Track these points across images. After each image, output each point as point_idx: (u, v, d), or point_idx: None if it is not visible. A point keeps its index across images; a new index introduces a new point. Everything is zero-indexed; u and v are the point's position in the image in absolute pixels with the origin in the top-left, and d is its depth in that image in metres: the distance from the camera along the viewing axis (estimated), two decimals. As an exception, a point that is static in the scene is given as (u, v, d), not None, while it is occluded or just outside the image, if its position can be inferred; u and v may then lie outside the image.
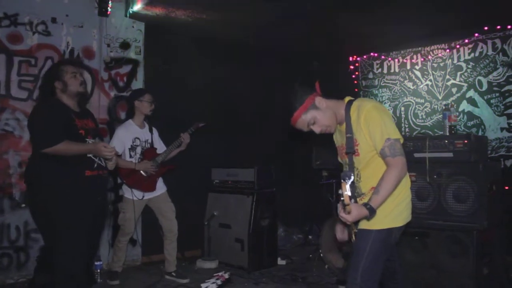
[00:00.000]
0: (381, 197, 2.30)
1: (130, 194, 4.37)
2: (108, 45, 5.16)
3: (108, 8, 4.96)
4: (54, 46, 4.77)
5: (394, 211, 2.44)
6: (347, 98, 2.57)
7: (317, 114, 2.47)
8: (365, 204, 2.26)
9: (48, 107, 3.16)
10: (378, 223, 2.41)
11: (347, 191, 2.08)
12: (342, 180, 2.09)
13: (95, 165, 3.21)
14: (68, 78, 3.24)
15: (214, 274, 4.48)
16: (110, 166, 3.35)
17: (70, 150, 3.06)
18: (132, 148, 4.45)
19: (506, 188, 4.38)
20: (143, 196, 4.45)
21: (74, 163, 3.08)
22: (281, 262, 5.34)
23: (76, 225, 3.03)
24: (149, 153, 4.53)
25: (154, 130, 4.70)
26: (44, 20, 4.73)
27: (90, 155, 3.19)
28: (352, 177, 2.14)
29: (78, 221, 3.04)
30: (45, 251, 4.10)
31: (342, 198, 2.11)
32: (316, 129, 2.50)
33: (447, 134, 4.08)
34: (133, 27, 5.37)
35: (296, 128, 2.56)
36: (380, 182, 2.33)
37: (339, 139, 2.67)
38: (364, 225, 2.44)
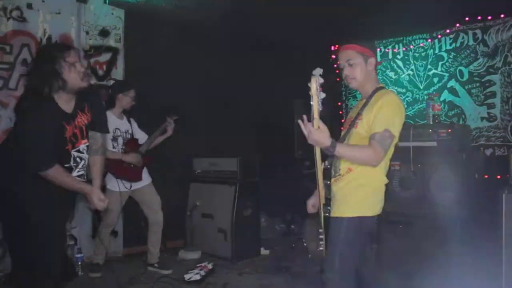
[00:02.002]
0: (346, 149, 2.40)
1: (114, 185, 4.28)
2: (87, 33, 5.02)
3: (86, -6, 4.81)
4: (30, 33, 4.59)
5: (365, 201, 2.51)
6: (382, 85, 2.70)
7: (360, 64, 2.60)
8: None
9: (40, 116, 2.57)
10: (349, 210, 2.49)
11: (316, 82, 2.19)
12: (312, 75, 2.20)
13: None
14: (67, 73, 2.62)
15: (197, 265, 4.44)
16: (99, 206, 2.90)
17: (59, 181, 2.64)
18: (114, 139, 4.38)
19: (486, 176, 4.44)
20: (131, 186, 4.39)
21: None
22: (264, 252, 5.33)
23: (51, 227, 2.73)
24: (131, 143, 4.47)
25: (132, 121, 4.65)
26: (18, 5, 4.52)
27: (76, 171, 2.84)
28: (321, 71, 2.24)
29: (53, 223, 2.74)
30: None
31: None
32: (347, 70, 2.62)
33: (431, 123, 4.11)
34: (112, 14, 5.22)
35: (337, 55, 2.69)
36: (356, 145, 2.47)
37: (352, 114, 2.76)
38: (336, 213, 2.53)
